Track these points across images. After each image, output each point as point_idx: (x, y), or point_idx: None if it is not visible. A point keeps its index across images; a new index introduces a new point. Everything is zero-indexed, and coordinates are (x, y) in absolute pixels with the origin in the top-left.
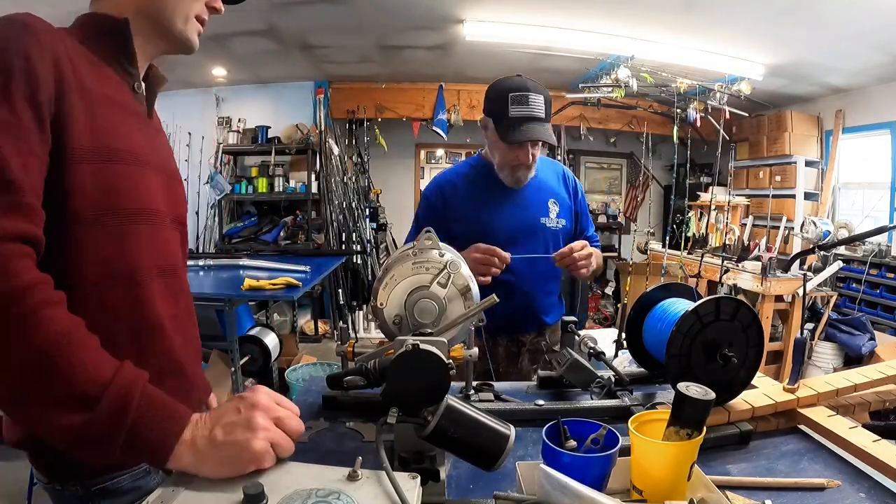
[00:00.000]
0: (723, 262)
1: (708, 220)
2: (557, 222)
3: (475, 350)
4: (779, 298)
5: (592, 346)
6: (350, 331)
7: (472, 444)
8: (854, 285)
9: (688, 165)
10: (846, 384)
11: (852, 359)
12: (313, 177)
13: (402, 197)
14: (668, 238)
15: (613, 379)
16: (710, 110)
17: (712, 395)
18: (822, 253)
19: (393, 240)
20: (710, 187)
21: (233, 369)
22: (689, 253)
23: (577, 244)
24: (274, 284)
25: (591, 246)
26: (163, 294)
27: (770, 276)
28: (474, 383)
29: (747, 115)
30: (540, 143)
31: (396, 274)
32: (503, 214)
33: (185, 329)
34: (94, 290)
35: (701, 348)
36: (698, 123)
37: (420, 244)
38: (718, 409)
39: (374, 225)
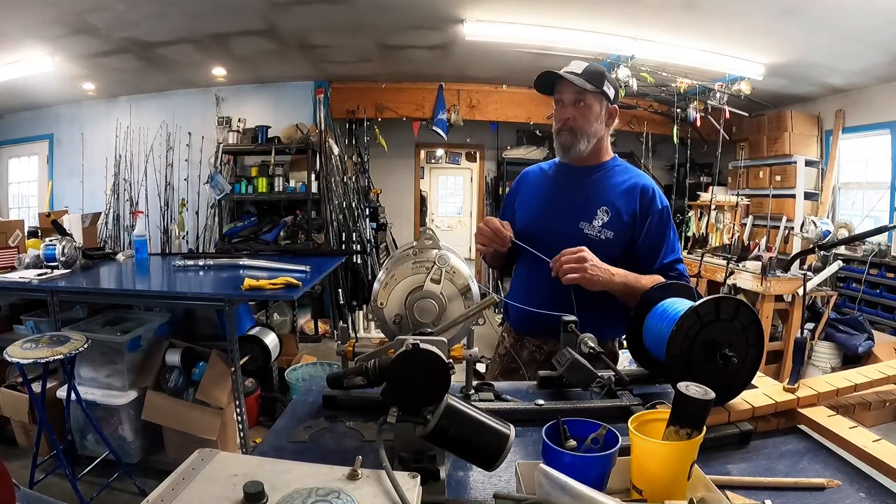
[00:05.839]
0: (728, 262)
1: (708, 220)
2: (600, 232)
3: (475, 350)
4: (779, 298)
5: (592, 345)
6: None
7: (471, 444)
8: (854, 285)
9: (688, 165)
10: (846, 384)
11: (850, 358)
12: (313, 177)
13: (402, 197)
14: None
15: (613, 379)
16: (710, 110)
17: (712, 395)
18: (822, 253)
19: (393, 240)
20: (711, 187)
21: (233, 369)
22: (689, 253)
23: (569, 249)
24: (274, 284)
25: (676, 276)
26: None
27: (770, 275)
28: (474, 383)
29: (747, 114)
30: (587, 108)
31: (397, 274)
32: (548, 210)
33: None
34: None
35: (701, 348)
36: (698, 123)
37: (420, 244)
38: (718, 409)
39: (374, 225)
